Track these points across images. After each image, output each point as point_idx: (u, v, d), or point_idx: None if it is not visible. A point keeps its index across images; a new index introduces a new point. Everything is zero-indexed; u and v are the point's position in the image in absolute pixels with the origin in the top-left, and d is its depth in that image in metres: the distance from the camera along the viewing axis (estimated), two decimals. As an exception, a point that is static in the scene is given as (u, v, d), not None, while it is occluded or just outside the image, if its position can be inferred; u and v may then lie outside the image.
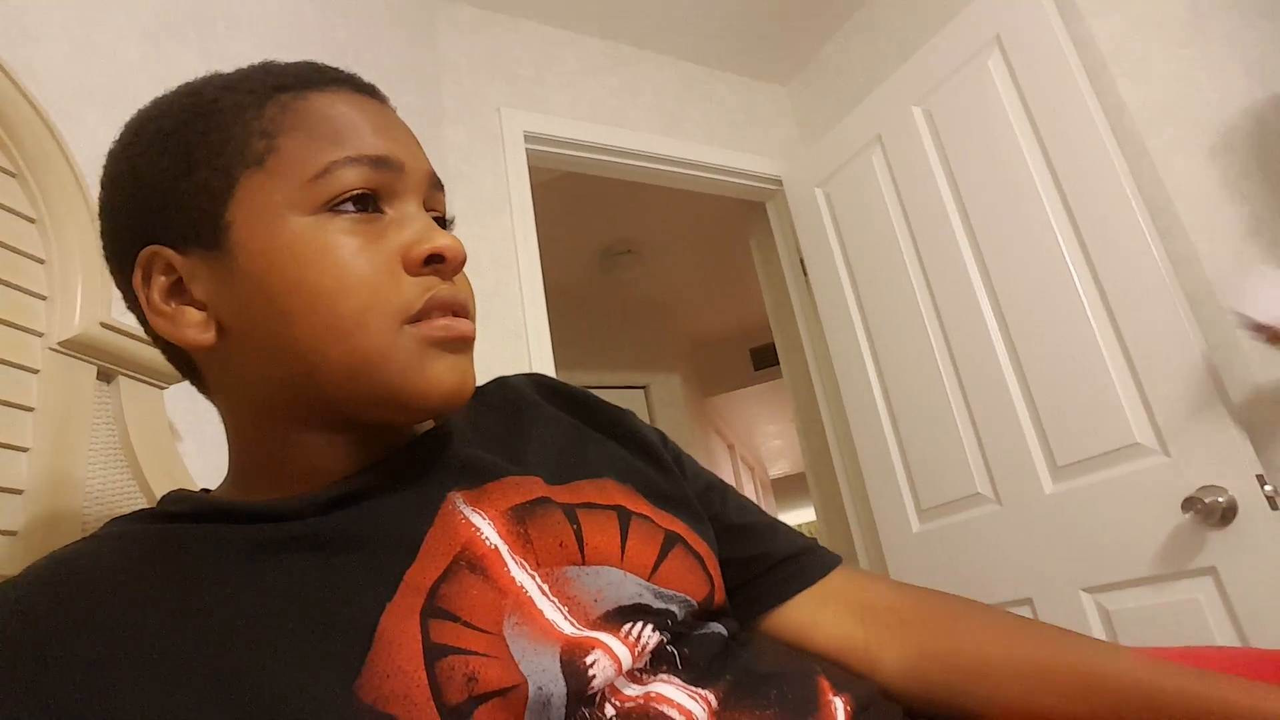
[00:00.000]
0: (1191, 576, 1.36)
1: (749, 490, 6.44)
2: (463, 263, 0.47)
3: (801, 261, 2.31)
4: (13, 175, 0.67)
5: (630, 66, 2.33)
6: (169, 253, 0.46)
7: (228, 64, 1.13)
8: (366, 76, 0.52)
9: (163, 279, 0.46)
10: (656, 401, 4.04)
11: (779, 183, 2.40)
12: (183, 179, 0.45)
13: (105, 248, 0.50)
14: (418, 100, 1.78)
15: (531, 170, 2.00)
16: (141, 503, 0.68)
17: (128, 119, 0.50)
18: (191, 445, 0.78)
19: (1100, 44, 1.66)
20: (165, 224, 0.46)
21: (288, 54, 1.30)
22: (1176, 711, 0.43)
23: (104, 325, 0.67)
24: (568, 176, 2.22)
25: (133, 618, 0.37)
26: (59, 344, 0.65)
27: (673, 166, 2.26)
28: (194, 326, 0.46)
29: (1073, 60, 1.59)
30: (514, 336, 1.79)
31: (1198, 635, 1.33)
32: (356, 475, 0.46)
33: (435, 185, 0.51)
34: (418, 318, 0.44)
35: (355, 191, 0.45)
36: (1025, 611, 1.61)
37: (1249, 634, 1.30)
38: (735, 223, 2.84)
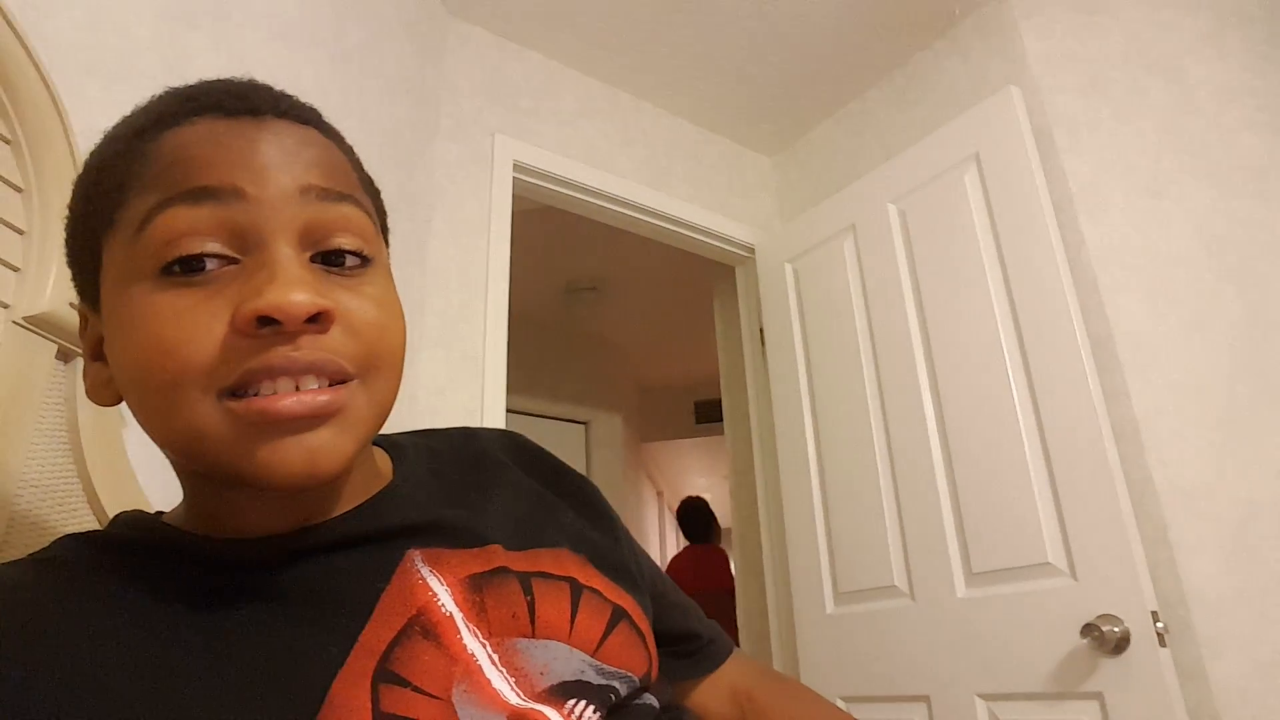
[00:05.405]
0: (1079, 699, 1.41)
1: (669, 538, 6.45)
2: (310, 319, 0.38)
3: (761, 330, 2.36)
4: (8, 142, 0.66)
5: (626, 114, 2.38)
6: (86, 309, 0.46)
7: (237, 55, 1.14)
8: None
9: (90, 333, 0.46)
10: (595, 440, 4.04)
11: (752, 251, 2.46)
12: (78, 240, 0.44)
13: None
14: (414, 113, 1.79)
15: (514, 199, 2.02)
16: (77, 490, 0.67)
17: (127, 103, 0.48)
18: (137, 431, 0.77)
19: (1070, 180, 1.76)
20: (78, 281, 0.46)
21: (297, 52, 1.31)
22: None
23: (74, 305, 0.66)
24: (547, 208, 2.25)
25: (80, 654, 0.35)
26: (24, 318, 0.64)
27: (653, 218, 2.30)
28: (99, 386, 0.45)
29: (1043, 190, 1.68)
30: (471, 359, 1.79)
31: (1079, 756, 1.38)
32: (314, 527, 0.45)
33: (329, 198, 0.41)
34: (235, 391, 0.38)
35: (186, 243, 0.38)
36: (921, 709, 1.65)
37: (1123, 761, 1.35)
38: (701, 279, 2.89)
